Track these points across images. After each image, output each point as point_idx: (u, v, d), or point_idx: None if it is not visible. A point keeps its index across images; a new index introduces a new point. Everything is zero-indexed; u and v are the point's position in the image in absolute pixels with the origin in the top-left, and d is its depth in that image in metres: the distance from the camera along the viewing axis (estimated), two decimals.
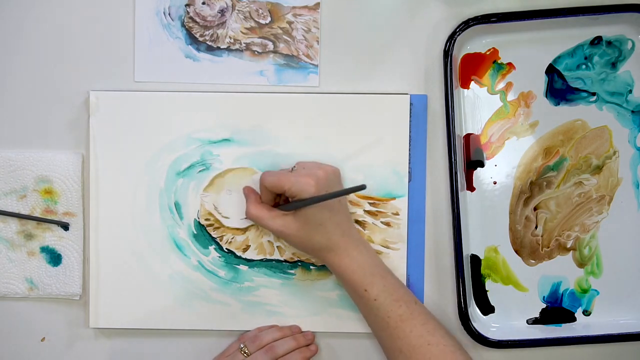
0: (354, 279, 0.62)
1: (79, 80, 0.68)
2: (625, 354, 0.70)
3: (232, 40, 0.68)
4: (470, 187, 0.69)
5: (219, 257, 0.69)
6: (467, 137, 0.68)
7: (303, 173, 0.62)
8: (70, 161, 0.68)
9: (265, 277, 0.69)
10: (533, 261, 0.69)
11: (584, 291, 0.69)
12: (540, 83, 0.68)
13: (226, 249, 0.69)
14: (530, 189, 0.69)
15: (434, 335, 0.61)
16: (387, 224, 0.68)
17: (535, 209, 0.69)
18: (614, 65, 0.68)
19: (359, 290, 0.62)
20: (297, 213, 0.62)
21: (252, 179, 0.68)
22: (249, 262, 0.69)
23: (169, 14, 0.68)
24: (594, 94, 0.68)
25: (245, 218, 0.67)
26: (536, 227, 0.69)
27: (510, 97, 0.68)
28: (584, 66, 0.68)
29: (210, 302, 0.69)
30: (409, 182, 0.68)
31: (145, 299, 0.69)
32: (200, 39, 0.68)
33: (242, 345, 0.65)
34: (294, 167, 0.64)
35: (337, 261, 0.63)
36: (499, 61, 0.68)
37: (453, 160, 0.66)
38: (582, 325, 0.69)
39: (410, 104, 0.68)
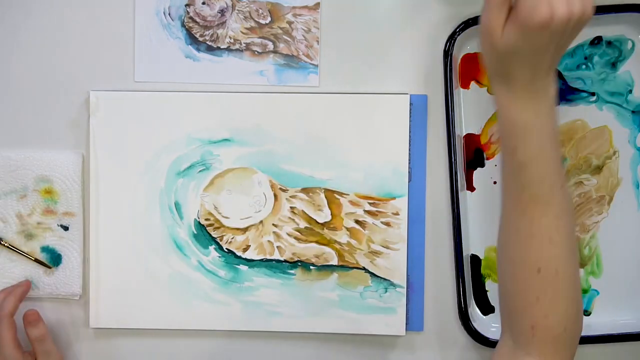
0: (514, 130, 0.52)
1: (79, 80, 0.68)
2: (625, 354, 0.70)
3: (232, 40, 0.68)
4: (470, 187, 0.69)
5: (219, 257, 0.69)
6: (467, 137, 0.68)
7: None
8: (70, 161, 0.68)
9: (265, 277, 0.69)
10: None
11: (584, 291, 0.69)
12: None
13: (226, 249, 0.69)
14: None
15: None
16: (387, 224, 0.68)
17: None
18: (614, 65, 0.68)
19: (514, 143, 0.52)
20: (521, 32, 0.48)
21: (252, 179, 0.68)
22: (249, 262, 0.69)
23: (169, 14, 0.68)
24: (594, 94, 0.68)
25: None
26: None
27: None
28: (584, 66, 0.68)
29: (210, 302, 0.69)
30: (409, 182, 0.68)
31: (145, 299, 0.69)
32: (200, 39, 0.68)
33: None
34: None
35: (511, 103, 0.51)
36: None
37: (453, 160, 0.66)
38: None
39: (410, 104, 0.68)
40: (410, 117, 0.68)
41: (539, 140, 0.52)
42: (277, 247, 0.69)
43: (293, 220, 0.68)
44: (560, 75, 0.68)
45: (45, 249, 0.68)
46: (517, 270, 0.53)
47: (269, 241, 0.69)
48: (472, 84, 0.68)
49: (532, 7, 0.47)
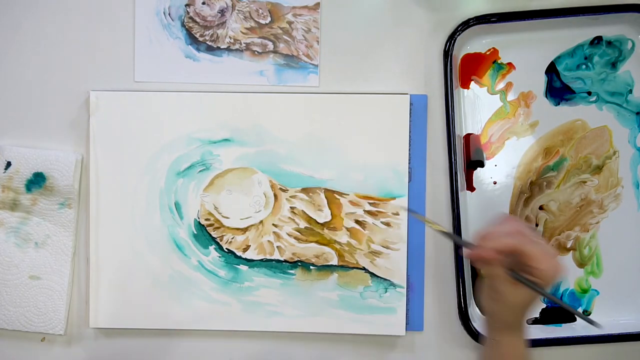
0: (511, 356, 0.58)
1: (79, 80, 0.68)
2: (625, 354, 0.70)
3: (232, 40, 0.68)
4: (470, 187, 0.69)
5: (219, 257, 0.69)
6: (467, 137, 0.68)
7: (552, 256, 0.55)
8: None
9: (265, 277, 0.69)
10: None
11: (584, 291, 0.69)
12: (540, 83, 0.68)
13: (226, 249, 0.69)
14: (530, 189, 0.69)
15: None
16: (387, 224, 0.68)
17: (535, 209, 0.69)
18: (614, 65, 0.68)
19: None
20: (527, 287, 0.55)
21: (252, 179, 0.68)
22: (249, 262, 0.69)
23: (169, 14, 0.68)
24: (593, 94, 0.68)
25: (472, 259, 0.59)
26: (536, 226, 0.69)
27: (510, 97, 0.68)
28: (584, 66, 0.68)
29: (210, 302, 0.69)
30: (409, 182, 0.68)
31: (145, 299, 0.68)
32: (200, 39, 0.68)
33: None
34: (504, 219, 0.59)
35: (511, 339, 0.58)
36: (499, 61, 0.68)
37: (453, 160, 0.66)
38: (582, 325, 0.69)
39: (410, 104, 0.68)
40: (410, 117, 0.68)
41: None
42: (277, 247, 0.69)
43: (293, 220, 0.68)
44: (560, 75, 0.68)
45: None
46: None
47: (269, 241, 0.69)
48: (472, 84, 0.68)
49: (548, 269, 0.54)
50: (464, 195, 0.68)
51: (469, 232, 0.68)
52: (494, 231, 0.56)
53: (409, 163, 0.68)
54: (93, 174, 0.68)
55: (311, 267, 0.68)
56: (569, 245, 0.69)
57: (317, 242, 0.68)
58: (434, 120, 0.68)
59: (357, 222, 0.68)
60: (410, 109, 0.68)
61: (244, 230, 0.68)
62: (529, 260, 0.54)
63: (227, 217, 0.68)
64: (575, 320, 0.69)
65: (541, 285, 0.54)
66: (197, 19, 0.68)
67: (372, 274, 0.68)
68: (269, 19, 0.68)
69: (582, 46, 0.68)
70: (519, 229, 0.56)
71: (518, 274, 0.55)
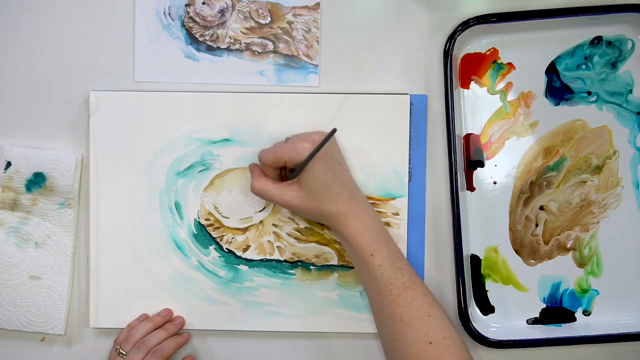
0: (361, 243, 0.61)
1: (79, 80, 0.68)
2: (625, 354, 0.70)
3: (232, 40, 0.68)
4: (470, 187, 0.69)
5: (219, 257, 0.69)
6: (467, 137, 0.68)
7: (298, 140, 0.62)
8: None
9: (265, 277, 0.69)
10: (533, 261, 0.69)
11: (584, 291, 0.69)
12: (540, 83, 0.68)
13: (226, 249, 0.69)
14: (530, 189, 0.69)
15: (434, 308, 0.60)
16: (387, 224, 0.68)
17: (535, 209, 0.69)
18: (614, 65, 0.68)
19: (364, 255, 0.61)
20: (301, 181, 0.61)
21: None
22: (249, 262, 0.69)
23: (169, 14, 0.68)
24: (593, 94, 0.68)
25: (253, 194, 0.65)
26: (536, 226, 0.69)
27: (510, 97, 0.68)
28: (584, 66, 0.68)
29: (210, 302, 0.69)
30: (409, 182, 0.68)
31: (145, 299, 0.69)
32: (200, 39, 0.68)
33: (117, 347, 0.66)
34: (288, 138, 0.64)
35: (346, 224, 0.62)
36: (499, 61, 0.68)
37: (453, 160, 0.66)
38: (582, 325, 0.69)
39: (410, 104, 0.68)
40: (410, 117, 0.68)
41: (382, 244, 0.62)
42: (277, 247, 0.69)
43: (293, 220, 0.68)
44: (559, 75, 0.68)
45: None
46: (410, 349, 0.59)
47: (269, 241, 0.69)
48: (472, 83, 0.68)
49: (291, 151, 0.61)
50: (464, 195, 0.68)
51: (469, 232, 0.68)
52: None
53: (409, 163, 0.68)
54: (93, 174, 0.68)
55: (311, 267, 0.68)
56: (569, 245, 0.69)
57: (317, 242, 0.68)
58: (434, 120, 0.68)
59: None
60: (410, 109, 0.68)
61: (244, 230, 0.68)
62: (280, 156, 0.61)
63: (227, 217, 0.68)
64: (575, 320, 0.69)
65: (296, 164, 0.61)
66: (197, 19, 0.68)
67: None
68: (269, 19, 0.68)
69: (582, 46, 0.68)
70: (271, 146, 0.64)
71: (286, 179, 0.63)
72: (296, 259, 0.69)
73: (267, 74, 0.68)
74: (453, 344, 0.58)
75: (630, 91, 0.68)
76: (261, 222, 0.68)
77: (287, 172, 0.65)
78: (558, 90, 0.68)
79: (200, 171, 0.68)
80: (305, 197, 0.61)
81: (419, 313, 0.59)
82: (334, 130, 0.60)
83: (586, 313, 0.69)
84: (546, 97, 0.68)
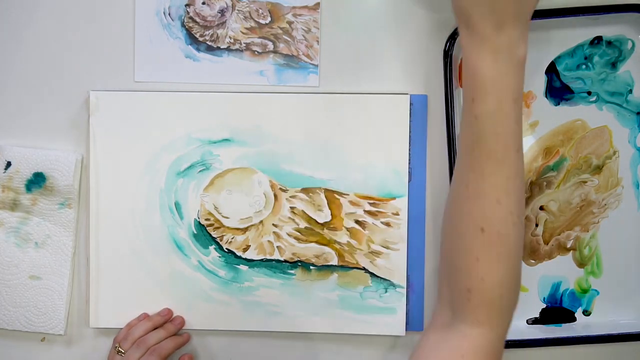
0: (477, 83, 0.51)
1: (79, 80, 0.68)
2: (625, 354, 0.70)
3: (232, 40, 0.68)
4: None
5: (219, 257, 0.69)
6: None
7: None
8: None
9: (265, 277, 0.69)
10: (533, 261, 0.69)
11: (584, 291, 0.69)
12: (540, 83, 0.68)
13: (226, 249, 0.69)
14: (530, 189, 0.69)
15: (508, 196, 0.51)
16: (387, 224, 0.68)
17: (535, 209, 0.69)
18: (614, 65, 0.68)
19: (473, 93, 0.52)
20: None
21: (252, 179, 0.68)
22: (249, 262, 0.69)
23: (169, 14, 0.68)
24: (593, 94, 0.68)
25: None
26: (536, 226, 0.69)
27: None
28: (584, 66, 0.68)
29: (210, 302, 0.69)
30: (409, 182, 0.68)
31: (145, 299, 0.69)
32: (200, 39, 0.68)
33: (116, 345, 0.65)
34: None
35: (476, 48, 0.50)
36: None
37: (453, 160, 0.66)
38: (582, 325, 0.69)
39: (410, 104, 0.68)
40: (410, 117, 0.68)
41: (498, 97, 0.51)
42: (277, 247, 0.69)
43: (293, 220, 0.68)
44: (559, 75, 0.68)
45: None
46: (461, 227, 0.53)
47: (269, 241, 0.69)
48: None
49: None
50: None
51: None
52: None
53: (409, 163, 0.68)
54: (93, 174, 0.68)
55: (311, 267, 0.68)
56: (569, 245, 0.69)
57: (317, 242, 0.68)
58: (434, 120, 0.68)
59: (357, 222, 0.68)
60: (410, 109, 0.68)
61: (244, 230, 0.68)
62: None
63: (227, 217, 0.68)
64: (575, 320, 0.69)
65: None
66: (197, 19, 0.68)
67: (372, 274, 0.68)
68: (269, 19, 0.68)
69: (582, 46, 0.68)
70: None
71: None
72: (296, 259, 0.69)
73: (267, 74, 0.68)
74: (505, 243, 0.51)
75: (630, 91, 0.68)
76: (261, 222, 0.68)
77: None
78: (558, 90, 0.68)
79: (200, 171, 0.68)
80: None
81: (488, 191, 0.51)
82: None
83: (586, 313, 0.69)
84: (546, 97, 0.68)
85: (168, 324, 0.67)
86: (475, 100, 0.51)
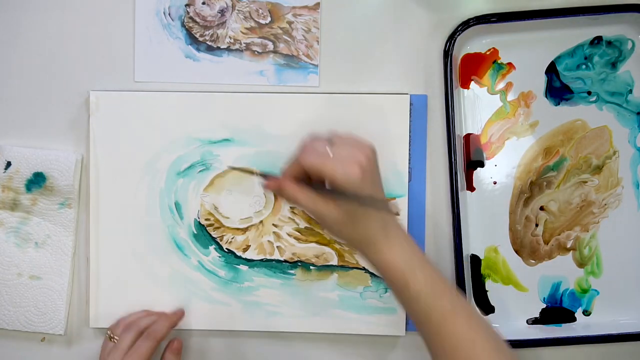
0: (395, 274, 0.58)
1: (79, 80, 0.68)
2: (625, 354, 0.70)
3: (232, 40, 0.68)
4: (470, 187, 0.69)
5: (219, 257, 0.69)
6: (467, 137, 0.68)
7: (346, 159, 0.57)
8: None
9: (265, 277, 0.69)
10: (533, 261, 0.69)
11: (584, 291, 0.69)
12: (540, 83, 0.68)
13: (226, 249, 0.69)
14: (530, 189, 0.69)
15: (477, 333, 0.56)
16: None
17: (535, 209, 0.69)
18: (614, 65, 0.68)
19: (399, 285, 0.58)
20: (340, 200, 0.58)
21: (252, 179, 0.68)
22: (249, 262, 0.69)
23: (169, 14, 0.68)
24: (593, 94, 0.68)
25: (269, 190, 0.64)
26: (536, 226, 0.69)
27: (510, 97, 0.68)
28: (584, 66, 0.68)
29: (210, 302, 0.69)
30: (409, 182, 0.68)
31: (145, 299, 0.68)
32: (200, 39, 0.68)
33: (108, 332, 0.65)
34: (330, 138, 0.60)
35: (377, 255, 0.58)
36: (499, 61, 0.68)
37: (453, 160, 0.66)
38: (582, 325, 0.69)
39: (410, 104, 0.68)
40: (410, 117, 0.68)
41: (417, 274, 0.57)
42: (277, 247, 0.69)
43: (293, 220, 0.68)
44: (559, 75, 0.68)
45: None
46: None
47: (269, 241, 0.69)
48: (472, 83, 0.68)
49: (342, 175, 0.57)
50: (464, 195, 0.68)
51: (469, 232, 0.68)
52: (292, 157, 0.60)
53: (409, 163, 0.68)
54: (93, 174, 0.68)
55: (311, 267, 0.68)
56: (569, 245, 0.69)
57: (317, 242, 0.68)
58: (434, 120, 0.68)
59: None
60: (410, 109, 0.68)
61: (244, 230, 0.68)
62: (324, 173, 0.56)
63: (227, 217, 0.68)
64: (575, 320, 0.69)
65: (342, 189, 0.56)
66: (197, 19, 0.68)
67: (372, 274, 0.68)
68: (269, 19, 0.68)
69: (582, 46, 0.68)
70: (313, 145, 0.59)
71: (318, 187, 0.59)
72: (296, 259, 0.69)
73: (267, 74, 0.68)
74: None
75: (630, 91, 0.68)
76: (261, 222, 0.68)
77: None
78: (558, 90, 0.68)
79: (200, 171, 0.68)
80: (340, 218, 0.58)
81: (461, 343, 0.55)
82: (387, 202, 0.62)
83: (586, 313, 0.69)
84: (546, 97, 0.68)
85: (165, 312, 0.67)
86: (409, 283, 0.57)
